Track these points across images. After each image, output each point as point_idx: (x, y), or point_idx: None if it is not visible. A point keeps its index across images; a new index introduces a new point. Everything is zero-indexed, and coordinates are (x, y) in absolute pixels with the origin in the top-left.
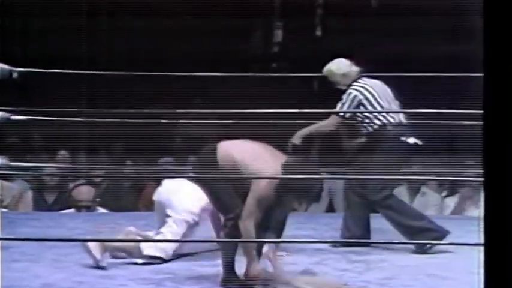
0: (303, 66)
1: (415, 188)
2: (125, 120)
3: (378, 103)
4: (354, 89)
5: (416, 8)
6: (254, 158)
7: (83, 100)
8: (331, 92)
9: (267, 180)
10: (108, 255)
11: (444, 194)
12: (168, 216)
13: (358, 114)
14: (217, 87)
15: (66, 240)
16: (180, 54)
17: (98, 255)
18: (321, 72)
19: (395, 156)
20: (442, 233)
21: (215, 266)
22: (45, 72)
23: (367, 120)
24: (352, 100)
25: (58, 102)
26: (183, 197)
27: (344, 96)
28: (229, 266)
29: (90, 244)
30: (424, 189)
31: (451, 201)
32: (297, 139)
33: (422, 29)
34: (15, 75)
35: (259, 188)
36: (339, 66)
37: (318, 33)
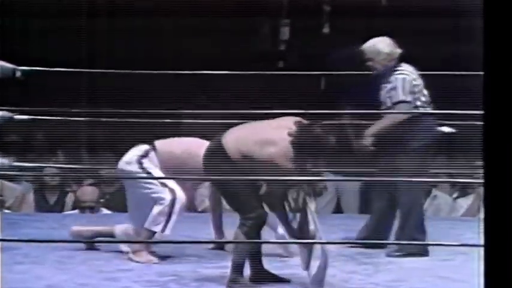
0: (309, 65)
1: (426, 191)
2: (128, 120)
3: (423, 88)
4: (404, 73)
5: (421, 8)
6: (263, 134)
7: (85, 100)
8: (337, 91)
9: (282, 153)
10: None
11: (455, 195)
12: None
13: (419, 101)
14: (221, 86)
15: (69, 241)
16: (184, 53)
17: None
18: (327, 70)
19: (432, 145)
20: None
21: (220, 268)
22: (49, 70)
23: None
24: (409, 84)
25: (60, 101)
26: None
27: (394, 81)
28: (239, 268)
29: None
30: (435, 192)
31: (464, 203)
32: (367, 139)
33: (428, 29)
34: (18, 73)
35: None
36: (385, 45)
37: (326, 30)
